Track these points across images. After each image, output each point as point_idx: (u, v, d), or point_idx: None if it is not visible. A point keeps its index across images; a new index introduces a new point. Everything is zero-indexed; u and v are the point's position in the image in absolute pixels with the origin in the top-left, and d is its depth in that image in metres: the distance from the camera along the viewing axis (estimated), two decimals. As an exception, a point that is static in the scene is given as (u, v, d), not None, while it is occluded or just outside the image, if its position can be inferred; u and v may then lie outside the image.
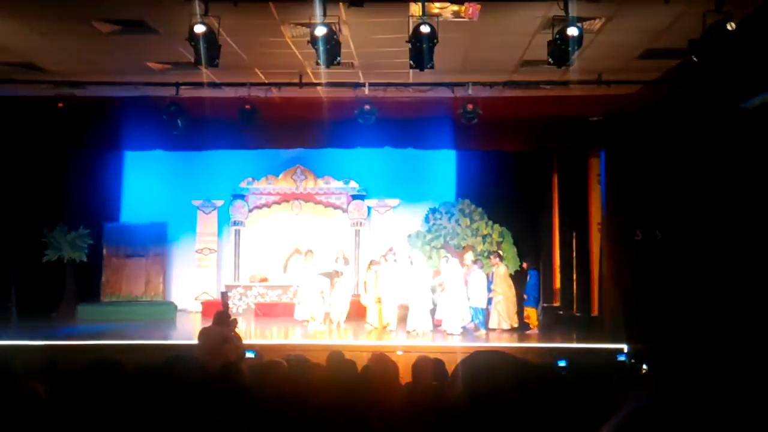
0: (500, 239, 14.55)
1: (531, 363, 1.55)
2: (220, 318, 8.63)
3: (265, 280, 15.63)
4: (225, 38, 8.34)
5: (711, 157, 10.37)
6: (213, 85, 10.77)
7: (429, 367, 5.27)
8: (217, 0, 7.35)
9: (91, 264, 14.95)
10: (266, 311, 14.89)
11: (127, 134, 12.28)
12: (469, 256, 13.49)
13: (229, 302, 13.74)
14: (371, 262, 13.30)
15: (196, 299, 15.67)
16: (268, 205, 16.20)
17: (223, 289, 14.62)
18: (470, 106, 10.83)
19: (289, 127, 12.37)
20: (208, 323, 8.89)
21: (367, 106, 10.91)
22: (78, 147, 13.21)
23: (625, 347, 10.39)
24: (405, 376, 5.25)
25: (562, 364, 7.02)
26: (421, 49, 7.63)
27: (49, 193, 14.61)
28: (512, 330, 12.76)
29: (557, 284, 14.48)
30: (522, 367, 1.35)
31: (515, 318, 12.90)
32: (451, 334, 12.07)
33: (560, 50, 7.71)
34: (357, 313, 13.65)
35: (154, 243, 15.67)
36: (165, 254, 15.85)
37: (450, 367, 4.88)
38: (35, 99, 11.52)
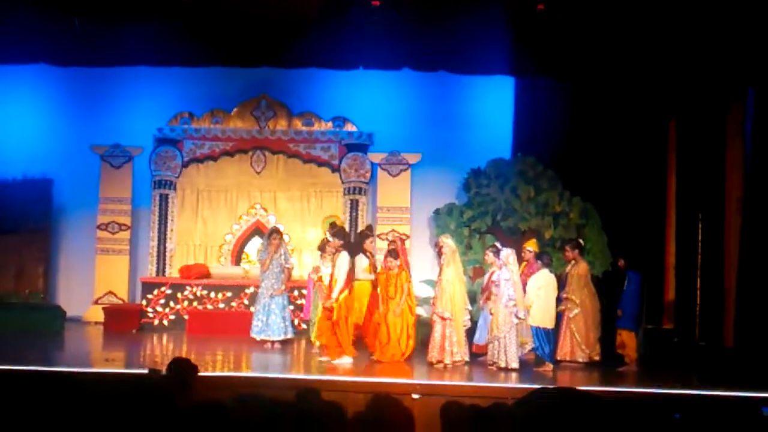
0: (582, 221, 14.51)
1: (624, 403, 1.49)
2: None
3: (205, 274, 15.66)
4: None
5: None
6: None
7: (464, 418, 5.25)
8: None
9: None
10: (206, 324, 14.94)
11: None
12: (532, 246, 13.43)
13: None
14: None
15: (96, 303, 15.70)
16: (213, 156, 16.20)
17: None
18: None
19: (248, 31, 12.29)
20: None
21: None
22: None
23: (775, 397, 10.39)
24: (422, 432, 5.23)
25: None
26: None
27: None
28: (593, 364, 12.72)
29: (670, 295, 14.44)
30: (612, 411, 1.27)
31: (597, 346, 12.85)
32: (504, 368, 12.02)
33: None
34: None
35: (31, 213, 15.68)
36: (48, 231, 15.87)
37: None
38: None
